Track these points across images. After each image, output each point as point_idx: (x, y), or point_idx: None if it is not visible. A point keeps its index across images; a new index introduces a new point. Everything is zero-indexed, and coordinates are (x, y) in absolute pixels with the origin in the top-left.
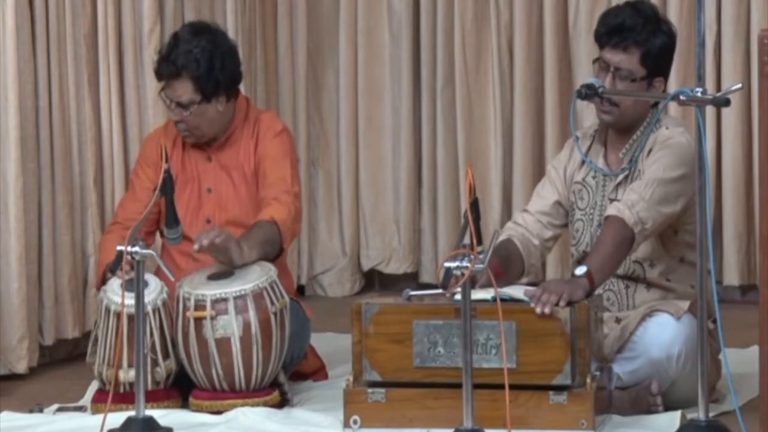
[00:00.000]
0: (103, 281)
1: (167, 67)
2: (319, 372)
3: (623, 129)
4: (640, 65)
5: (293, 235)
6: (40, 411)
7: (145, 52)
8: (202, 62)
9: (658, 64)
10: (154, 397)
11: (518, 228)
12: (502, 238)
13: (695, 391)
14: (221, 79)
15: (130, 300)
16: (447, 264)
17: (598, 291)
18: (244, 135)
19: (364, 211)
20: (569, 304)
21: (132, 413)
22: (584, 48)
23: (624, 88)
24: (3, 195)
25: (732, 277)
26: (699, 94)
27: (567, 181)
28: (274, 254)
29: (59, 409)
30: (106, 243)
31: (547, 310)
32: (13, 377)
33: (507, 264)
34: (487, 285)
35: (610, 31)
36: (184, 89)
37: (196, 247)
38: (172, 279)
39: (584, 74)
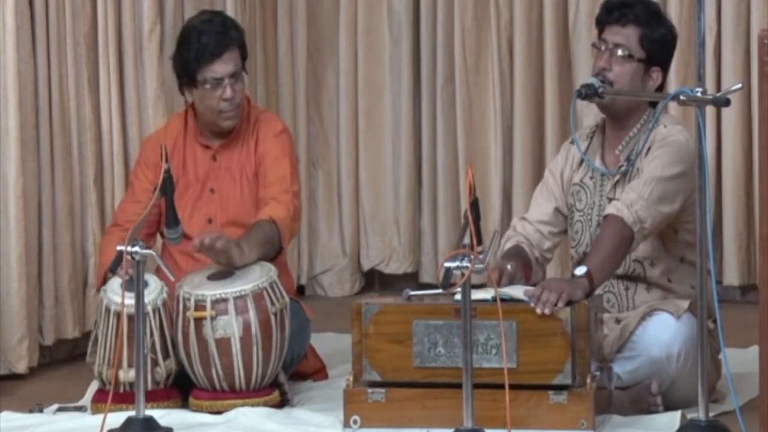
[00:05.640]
0: (104, 283)
1: (218, 45)
2: (319, 372)
3: (619, 121)
4: (638, 45)
5: (292, 234)
6: (40, 411)
7: (145, 52)
8: (236, 29)
9: (656, 51)
10: (154, 397)
11: (519, 237)
12: (509, 245)
13: (695, 391)
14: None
15: (130, 300)
16: (447, 264)
17: (598, 292)
18: (245, 134)
19: (364, 211)
20: (569, 303)
21: (132, 413)
22: (584, 48)
23: (621, 68)
24: (3, 195)
25: (732, 277)
26: (699, 94)
27: (564, 185)
28: (274, 253)
29: (59, 409)
30: (106, 245)
31: (547, 311)
32: (13, 377)
33: (528, 266)
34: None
35: (611, 8)
36: (235, 58)
37: (196, 242)
38: (172, 279)
39: (584, 74)
